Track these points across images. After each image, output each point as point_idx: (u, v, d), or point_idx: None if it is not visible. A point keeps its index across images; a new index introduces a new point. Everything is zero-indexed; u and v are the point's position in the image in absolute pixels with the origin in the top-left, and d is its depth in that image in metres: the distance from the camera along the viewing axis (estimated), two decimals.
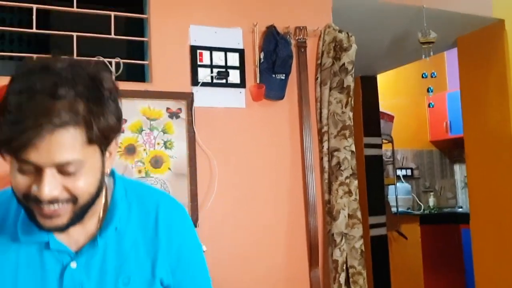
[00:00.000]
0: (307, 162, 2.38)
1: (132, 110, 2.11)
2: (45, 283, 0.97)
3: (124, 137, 2.08)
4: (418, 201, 5.50)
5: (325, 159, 2.40)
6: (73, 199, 0.89)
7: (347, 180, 2.34)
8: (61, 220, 0.89)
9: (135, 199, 1.05)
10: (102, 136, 0.88)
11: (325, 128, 2.39)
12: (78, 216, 0.92)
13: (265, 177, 2.40)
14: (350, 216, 2.34)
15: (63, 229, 0.92)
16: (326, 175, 2.41)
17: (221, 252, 2.24)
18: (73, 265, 0.98)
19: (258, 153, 2.38)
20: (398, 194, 4.91)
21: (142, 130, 2.13)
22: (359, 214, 2.38)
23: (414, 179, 5.59)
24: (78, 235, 1.00)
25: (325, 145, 2.40)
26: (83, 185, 0.89)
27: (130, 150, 2.11)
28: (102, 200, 1.01)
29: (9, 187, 0.94)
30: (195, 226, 2.17)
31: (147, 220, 1.05)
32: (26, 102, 0.81)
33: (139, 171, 2.13)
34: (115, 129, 0.92)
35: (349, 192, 2.34)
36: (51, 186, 0.85)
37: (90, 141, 0.87)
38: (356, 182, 2.38)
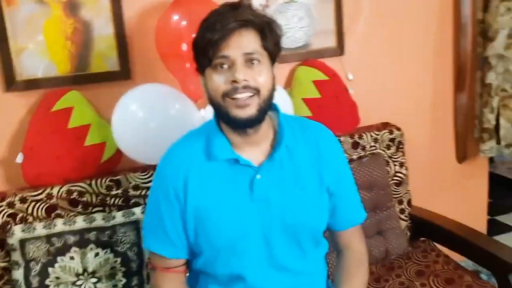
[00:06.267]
0: None
1: None
2: (239, 190, 1.18)
3: None
4: None
5: None
6: (257, 91, 1.10)
7: None
8: (251, 110, 1.10)
9: (296, 125, 1.25)
10: (272, 47, 1.14)
11: None
12: (262, 109, 1.12)
13: None
14: (508, 36, 2.13)
15: (253, 120, 1.12)
16: None
17: (366, 79, 2.18)
18: (258, 176, 1.18)
19: None
20: None
21: None
22: None
23: None
24: (257, 155, 1.20)
25: None
26: (263, 79, 1.11)
27: None
28: (271, 125, 1.22)
29: (191, 131, 1.26)
30: (342, 54, 2.10)
31: (309, 141, 1.24)
32: (216, 16, 1.11)
33: None
34: (279, 48, 1.17)
35: (510, 9, 2.09)
36: (242, 72, 1.08)
37: (265, 47, 1.12)
38: None
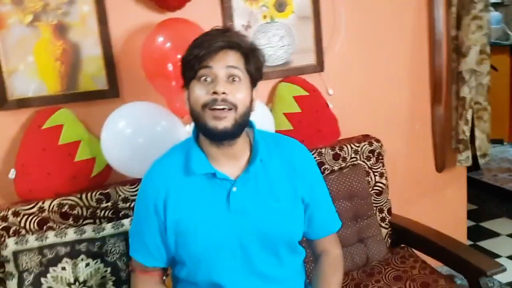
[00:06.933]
0: None
1: None
2: (216, 203, 1.25)
3: None
4: (508, 31, 5.11)
5: None
6: (235, 106, 1.18)
7: (481, 13, 2.18)
8: (227, 123, 1.17)
9: (271, 141, 1.33)
10: (254, 71, 1.22)
11: None
12: (237, 124, 1.19)
13: (388, 16, 2.30)
14: (480, 52, 2.24)
15: (228, 132, 1.18)
16: (454, 9, 2.25)
17: (346, 94, 2.27)
18: (234, 189, 1.24)
19: None
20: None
21: None
22: (488, 48, 2.27)
23: (505, 7, 5.11)
24: (234, 169, 1.26)
25: None
26: (241, 96, 1.19)
27: None
28: (248, 141, 1.29)
29: (173, 146, 1.32)
30: (322, 70, 2.19)
31: (283, 155, 1.32)
32: (205, 36, 1.21)
33: (264, 17, 2.08)
34: (260, 73, 1.26)
35: (481, 27, 2.20)
36: (223, 86, 1.17)
37: (247, 70, 1.21)
38: (488, 15, 2.22)
